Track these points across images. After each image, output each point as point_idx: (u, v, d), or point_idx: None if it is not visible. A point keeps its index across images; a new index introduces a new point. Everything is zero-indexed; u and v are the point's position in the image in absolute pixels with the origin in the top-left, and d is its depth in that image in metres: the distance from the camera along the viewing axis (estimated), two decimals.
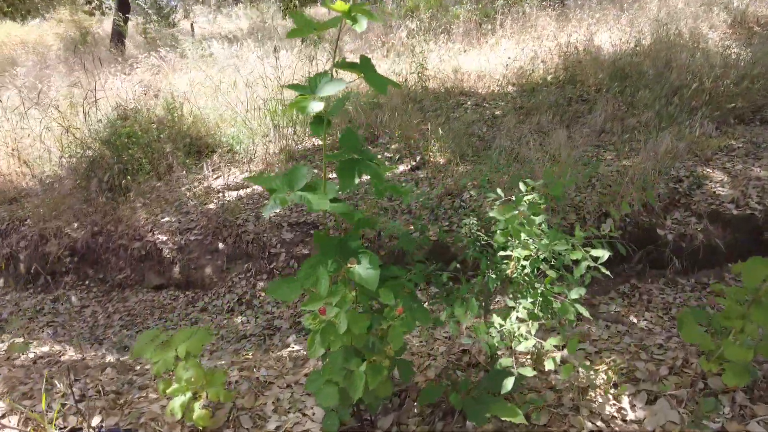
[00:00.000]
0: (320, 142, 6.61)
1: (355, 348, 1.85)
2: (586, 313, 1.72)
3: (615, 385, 2.28)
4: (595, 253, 1.66)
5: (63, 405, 2.46)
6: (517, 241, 1.73)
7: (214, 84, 7.12)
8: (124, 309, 4.69)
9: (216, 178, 5.89)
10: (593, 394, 2.25)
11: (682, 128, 5.16)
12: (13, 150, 5.92)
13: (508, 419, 1.92)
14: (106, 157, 5.74)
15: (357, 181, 1.83)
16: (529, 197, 2.06)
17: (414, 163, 5.82)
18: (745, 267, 1.93)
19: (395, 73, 7.87)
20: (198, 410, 2.10)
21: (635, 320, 3.42)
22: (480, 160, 5.74)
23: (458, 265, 2.33)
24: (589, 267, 1.77)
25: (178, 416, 2.07)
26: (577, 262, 1.70)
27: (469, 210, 4.68)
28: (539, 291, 1.78)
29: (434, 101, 7.21)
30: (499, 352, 2.24)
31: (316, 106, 1.73)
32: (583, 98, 6.86)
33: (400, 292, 1.90)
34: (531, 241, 1.70)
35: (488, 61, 8.53)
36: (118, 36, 10.54)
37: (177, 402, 2.08)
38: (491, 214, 1.64)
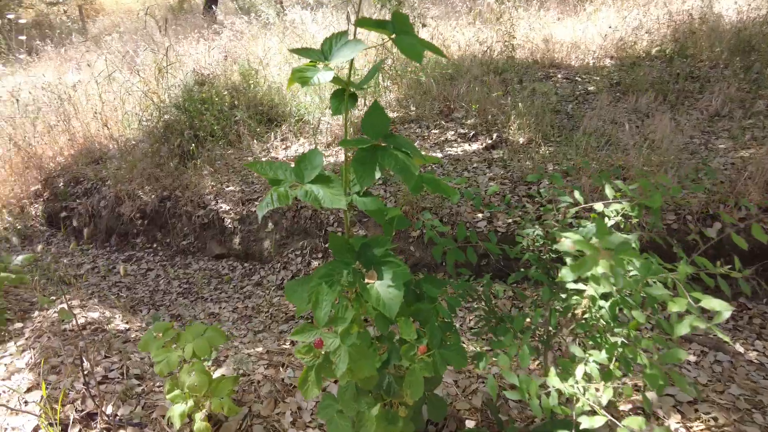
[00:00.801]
0: (393, 114, 6.17)
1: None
2: (690, 390, 1.19)
3: None
4: (706, 304, 1.11)
5: (87, 384, 2.31)
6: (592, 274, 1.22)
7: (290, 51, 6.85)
8: (184, 276, 4.64)
9: (284, 149, 5.67)
10: None
11: None
12: (96, 113, 6.05)
13: None
14: (180, 122, 5.69)
15: (378, 175, 1.39)
16: (618, 207, 1.50)
17: (490, 142, 5.21)
18: None
19: (479, 41, 7.17)
20: (199, 422, 1.83)
21: (742, 350, 2.73)
22: (566, 141, 5.03)
23: (514, 284, 1.84)
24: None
25: (176, 426, 1.81)
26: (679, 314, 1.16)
27: (547, 201, 4.06)
28: (619, 342, 1.27)
29: (520, 73, 6.46)
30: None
31: (323, 77, 1.29)
32: (693, 75, 5.81)
33: (431, 317, 1.46)
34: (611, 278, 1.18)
35: (585, 30, 7.54)
36: (210, 3, 10.60)
37: (176, 410, 1.81)
38: (558, 246, 1.14)
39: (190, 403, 1.82)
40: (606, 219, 1.50)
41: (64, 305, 3.36)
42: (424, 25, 7.21)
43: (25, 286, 3.68)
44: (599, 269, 1.10)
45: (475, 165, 4.77)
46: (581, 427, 1.19)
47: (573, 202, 1.61)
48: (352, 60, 1.44)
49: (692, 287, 1.26)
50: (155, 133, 5.71)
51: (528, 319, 1.58)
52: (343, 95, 1.50)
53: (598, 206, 1.52)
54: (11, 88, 6.89)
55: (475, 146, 5.19)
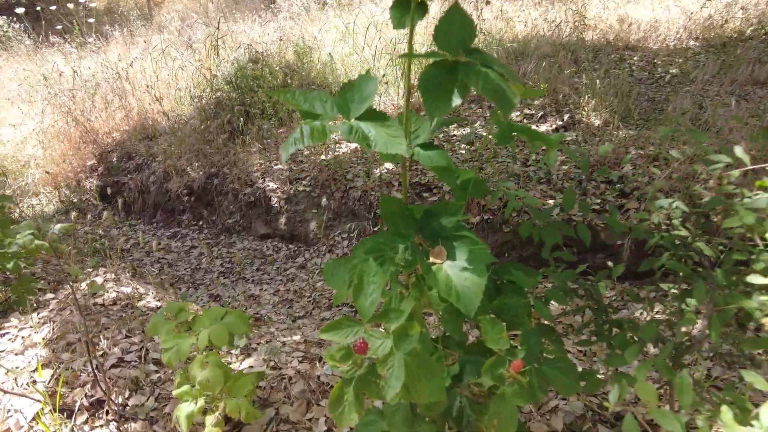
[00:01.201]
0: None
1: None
2: None
3: None
4: None
5: (97, 368, 2.00)
6: None
7: (347, 29, 6.47)
8: (228, 255, 4.36)
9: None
10: None
11: None
12: (149, 87, 5.89)
13: None
14: (232, 98, 5.44)
15: (458, 101, 0.93)
16: None
17: (560, 123, 4.62)
18: None
19: (547, 20, 6.52)
20: (210, 427, 1.44)
21: None
22: (648, 125, 4.37)
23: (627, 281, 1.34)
24: None
25: (183, 428, 1.43)
26: None
27: (634, 188, 3.47)
28: None
29: (591, 54, 5.79)
30: None
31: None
32: None
33: (523, 318, 0.99)
34: None
35: (668, 9, 6.74)
36: None
37: (183, 410, 1.43)
38: (728, 223, 0.66)
39: (201, 402, 1.44)
40: None
41: (97, 278, 3.12)
42: (487, 2, 6.64)
43: (64, 257, 3.48)
44: None
45: (544, 147, 4.20)
46: None
47: (731, 163, 1.09)
48: None
49: None
50: (206, 109, 5.49)
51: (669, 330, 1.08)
52: (408, 4, 1.04)
53: None
54: (76, 66, 6.89)
55: (543, 128, 4.62)
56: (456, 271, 0.96)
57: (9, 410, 1.89)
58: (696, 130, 1.20)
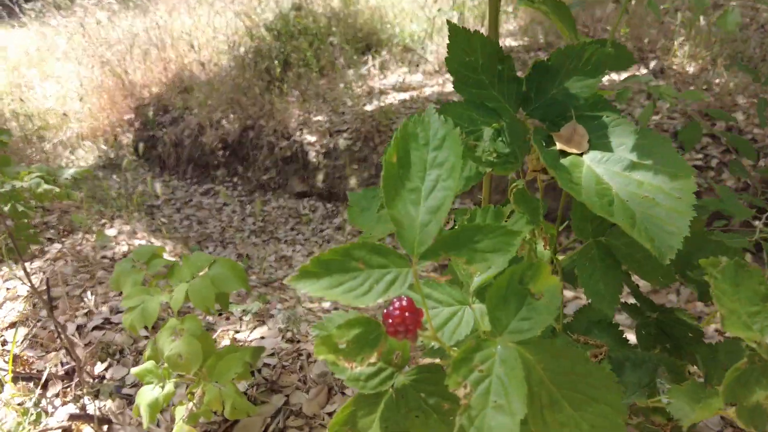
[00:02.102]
0: (515, 43, 4.98)
1: None
2: None
3: None
4: None
5: (80, 328, 1.61)
6: None
7: None
8: (261, 213, 3.97)
9: (382, 79, 4.75)
10: None
11: None
12: (186, 34, 5.53)
13: None
14: (272, 47, 4.98)
15: None
16: None
17: (645, 72, 3.88)
18: None
19: None
20: (179, 423, 0.99)
21: None
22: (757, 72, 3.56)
23: None
24: None
25: (145, 422, 0.99)
26: None
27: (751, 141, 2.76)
28: None
29: None
30: None
31: None
32: None
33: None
34: None
35: None
36: None
37: (146, 396, 0.99)
38: None
39: (169, 387, 0.99)
40: None
41: (113, 230, 2.78)
42: None
43: (81, 206, 3.18)
44: None
45: (630, 96, 3.51)
46: None
47: None
48: None
49: None
50: (245, 58, 5.06)
51: None
52: None
53: None
54: (118, 24, 6.64)
55: (623, 75, 3.89)
56: (615, 168, 0.42)
57: None
58: None
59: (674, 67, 3.82)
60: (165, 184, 4.86)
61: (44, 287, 1.92)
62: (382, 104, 4.11)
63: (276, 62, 4.79)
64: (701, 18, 3.83)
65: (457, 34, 0.56)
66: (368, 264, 0.34)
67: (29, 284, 1.49)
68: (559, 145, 0.48)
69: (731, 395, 0.35)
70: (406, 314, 0.32)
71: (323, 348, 0.34)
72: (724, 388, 0.36)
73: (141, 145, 5.28)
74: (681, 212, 0.38)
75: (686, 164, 0.43)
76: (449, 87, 4.50)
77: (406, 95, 4.31)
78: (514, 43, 4.95)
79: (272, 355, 1.43)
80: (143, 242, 2.66)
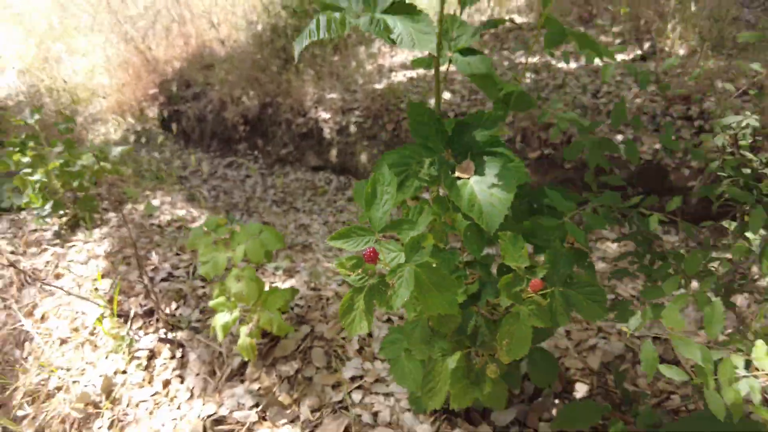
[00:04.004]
0: (521, 20, 5.30)
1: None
2: None
3: None
4: None
5: (150, 280, 2.16)
6: None
7: None
8: (281, 185, 4.48)
9: (392, 56, 5.13)
10: None
11: None
12: (207, 12, 5.92)
13: None
14: (288, 24, 5.37)
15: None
16: None
17: (640, 53, 4.22)
18: None
19: None
20: (244, 337, 1.53)
21: None
22: (745, 54, 3.89)
23: (682, 205, 1.23)
24: None
25: (219, 337, 1.53)
26: None
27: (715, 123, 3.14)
28: None
29: None
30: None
31: None
32: None
33: (554, 240, 0.94)
34: None
35: None
36: None
37: (220, 320, 1.52)
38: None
39: (236, 313, 1.53)
40: None
41: (153, 201, 3.31)
42: None
43: (125, 180, 3.72)
44: None
45: (618, 78, 3.88)
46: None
47: None
48: None
49: None
50: (262, 35, 5.46)
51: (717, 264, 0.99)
52: None
53: None
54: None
55: (620, 57, 4.23)
56: (482, 186, 0.91)
57: (76, 313, 2.10)
58: None
59: (666, 48, 4.15)
60: (190, 155, 5.38)
61: (116, 249, 2.47)
62: (392, 82, 4.52)
63: (292, 40, 5.18)
64: (692, 3, 4.13)
65: (414, 106, 1.03)
66: (359, 234, 0.83)
67: (133, 248, 2.02)
68: (457, 173, 0.94)
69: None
70: (372, 254, 0.81)
71: (340, 268, 0.84)
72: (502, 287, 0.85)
73: (166, 119, 5.78)
74: (501, 210, 0.85)
75: (514, 184, 0.89)
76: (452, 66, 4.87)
77: (413, 73, 4.70)
78: (520, 20, 5.26)
79: (300, 299, 1.96)
80: (183, 212, 3.19)
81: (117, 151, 3.25)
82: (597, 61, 3.70)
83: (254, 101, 5.03)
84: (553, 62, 4.30)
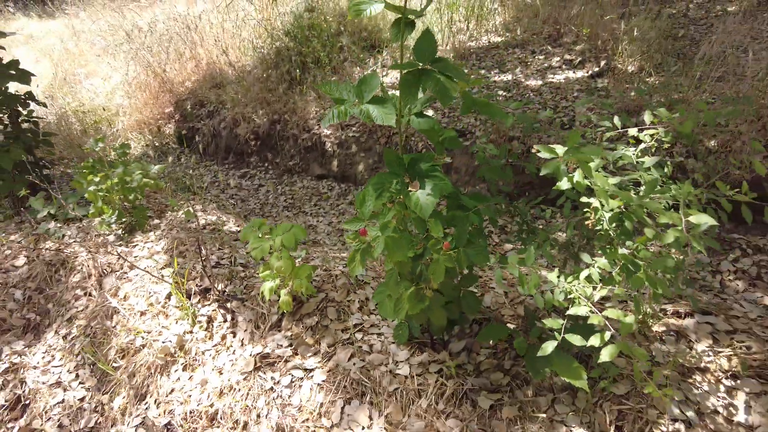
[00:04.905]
0: (498, 39, 6.12)
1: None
2: (667, 291, 1.37)
3: (735, 377, 1.85)
4: (695, 219, 1.25)
5: (204, 267, 2.97)
6: (596, 188, 1.41)
7: None
8: (290, 192, 5.30)
9: (384, 75, 5.95)
10: (700, 380, 1.87)
11: None
12: (216, 40, 6.75)
13: (568, 380, 1.73)
14: (289, 48, 6.19)
15: (420, 95, 1.66)
16: (651, 132, 1.64)
17: (596, 69, 5.04)
18: None
19: None
20: (284, 296, 2.35)
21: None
22: (684, 70, 4.70)
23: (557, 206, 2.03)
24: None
25: (267, 297, 2.35)
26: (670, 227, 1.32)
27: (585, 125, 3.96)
28: (620, 252, 1.46)
29: None
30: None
31: (375, 8, 1.57)
32: None
33: (464, 223, 1.75)
34: (608, 189, 1.36)
35: None
36: None
37: (267, 285, 2.34)
38: (536, 147, 1.34)
39: (277, 281, 2.34)
40: (641, 143, 1.63)
41: (190, 208, 4.12)
42: None
43: (161, 192, 4.53)
44: (596, 182, 1.31)
45: (576, 94, 4.69)
46: (567, 312, 1.44)
47: (611, 126, 1.74)
48: None
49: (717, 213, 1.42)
50: (267, 59, 6.29)
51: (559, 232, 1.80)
52: (400, 24, 1.75)
53: (633, 131, 1.65)
54: (150, 20, 7.87)
55: (579, 74, 5.05)
56: (423, 195, 1.72)
57: (150, 292, 2.91)
58: (606, 101, 1.84)
59: (619, 66, 4.97)
60: (207, 168, 6.21)
61: (171, 246, 3.28)
62: None
63: (295, 64, 6.01)
64: (635, 29, 4.95)
65: (387, 151, 1.85)
66: (356, 221, 1.63)
67: (195, 243, 2.83)
68: (410, 188, 1.74)
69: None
70: (363, 230, 1.61)
71: (348, 238, 1.64)
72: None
73: (183, 136, 6.60)
74: (430, 206, 1.64)
75: (440, 194, 1.69)
76: None
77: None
78: (497, 39, 6.08)
79: (317, 276, 2.78)
80: (214, 217, 4.01)
81: (155, 168, 4.07)
82: (560, 77, 4.54)
83: (264, 119, 5.86)
84: (522, 80, 5.12)
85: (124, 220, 3.62)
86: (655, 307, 2.17)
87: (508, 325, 2.30)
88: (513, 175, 2.02)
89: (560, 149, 1.41)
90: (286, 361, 2.37)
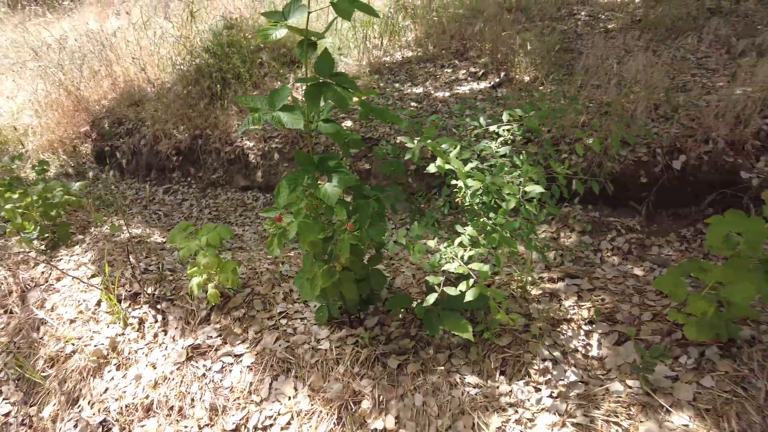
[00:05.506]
0: (411, 54, 6.64)
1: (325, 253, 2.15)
2: (520, 248, 1.80)
3: (591, 323, 2.34)
4: (528, 188, 1.69)
5: (133, 275, 3.14)
6: (458, 171, 1.82)
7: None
8: (214, 205, 5.48)
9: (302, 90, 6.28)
10: (566, 328, 2.34)
11: None
12: (134, 58, 6.82)
13: (457, 333, 2.13)
14: (210, 65, 6.39)
15: (322, 104, 2.02)
16: (507, 128, 2.09)
17: (497, 80, 5.65)
18: (712, 225, 1.81)
19: None
20: (211, 289, 2.61)
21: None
22: (571, 79, 5.40)
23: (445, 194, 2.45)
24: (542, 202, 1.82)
25: (195, 293, 2.60)
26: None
27: (546, 139, 4.55)
28: (481, 221, 1.88)
29: (542, 11, 6.72)
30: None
31: (279, 33, 1.92)
32: (723, 10, 5.89)
33: (366, 208, 2.12)
34: (467, 171, 1.78)
35: None
36: None
37: (194, 281, 2.59)
38: (400, 139, 1.75)
39: (204, 276, 2.60)
40: (500, 137, 2.09)
41: (114, 222, 4.24)
42: None
43: (83, 209, 4.59)
44: (453, 165, 1.72)
45: (478, 103, 5.25)
46: (442, 269, 1.85)
47: (478, 125, 2.19)
48: (308, 16, 2.05)
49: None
50: (187, 76, 6.45)
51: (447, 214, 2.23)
52: (308, 45, 2.11)
53: (493, 127, 2.09)
54: (59, 36, 7.76)
55: (483, 85, 5.65)
56: (330, 187, 2.08)
57: (79, 301, 3.05)
58: (458, 105, 2.29)
59: (516, 76, 5.61)
60: (128, 186, 6.24)
61: (98, 257, 3.42)
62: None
63: (215, 80, 6.22)
64: (528, 43, 5.63)
65: (299, 153, 2.19)
66: (273, 210, 1.95)
67: (129, 258, 3.00)
68: (320, 182, 2.08)
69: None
70: (278, 217, 1.93)
71: (266, 224, 1.95)
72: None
73: (101, 154, 6.59)
74: (336, 195, 1.99)
75: (344, 185, 2.04)
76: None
77: None
78: (409, 54, 6.61)
79: (243, 274, 3.04)
80: (140, 230, 4.15)
81: (77, 186, 4.16)
82: (465, 89, 5.10)
83: (185, 134, 6.01)
84: (432, 92, 5.65)
85: (46, 236, 3.70)
86: (534, 275, 2.64)
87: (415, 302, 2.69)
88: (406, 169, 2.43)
89: (416, 140, 1.82)
90: (217, 350, 2.62)
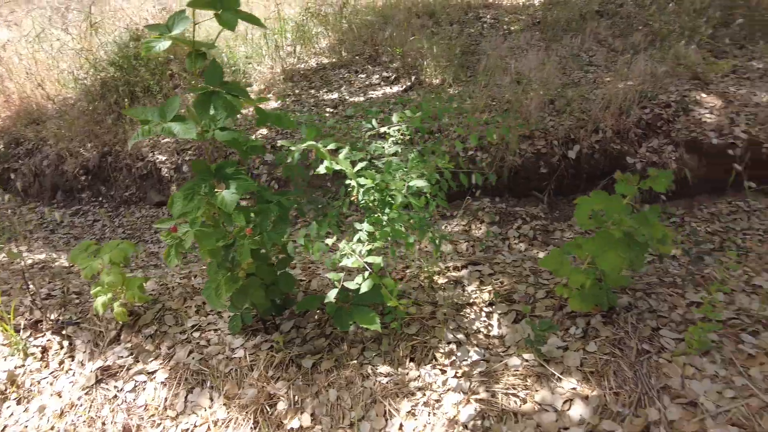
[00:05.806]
0: (325, 60, 6.73)
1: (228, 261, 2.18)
2: (411, 239, 1.93)
3: (491, 304, 2.51)
4: (413, 183, 1.82)
5: (33, 301, 3.01)
6: (350, 171, 1.93)
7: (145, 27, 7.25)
8: (128, 223, 5.30)
9: None
10: (469, 311, 2.50)
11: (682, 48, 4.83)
12: (29, 73, 6.46)
13: (365, 326, 2.22)
14: (116, 78, 6.17)
15: (212, 111, 2.06)
16: (397, 128, 2.21)
17: (408, 84, 5.84)
18: (579, 205, 2.03)
19: None
20: (117, 308, 2.56)
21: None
22: (476, 81, 5.68)
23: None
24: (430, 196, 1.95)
25: (101, 313, 2.54)
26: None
27: (443, 137, 4.76)
28: (375, 216, 1.99)
29: (451, 16, 7.02)
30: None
31: (162, 46, 1.94)
32: (608, 12, 6.42)
33: (266, 214, 2.17)
34: (357, 170, 1.89)
35: None
36: None
37: (99, 301, 2.53)
38: (280, 143, 1.85)
39: (110, 295, 2.54)
40: (391, 137, 2.21)
41: (13, 249, 4.02)
42: None
43: None
44: (341, 167, 1.81)
45: (391, 106, 5.42)
46: (342, 263, 1.94)
47: (371, 127, 2.31)
48: (194, 28, 2.08)
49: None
50: (92, 91, 6.19)
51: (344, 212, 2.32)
52: (197, 55, 2.14)
53: (383, 129, 2.22)
54: None
55: (395, 89, 5.82)
56: (228, 194, 2.11)
57: None
58: (370, 110, 2.40)
59: (426, 79, 5.83)
60: (31, 210, 5.89)
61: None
62: None
63: (122, 94, 6.02)
64: (434, 47, 5.87)
65: (195, 162, 2.20)
66: (168, 220, 1.98)
67: (28, 285, 2.86)
68: (217, 189, 2.11)
69: None
70: (173, 228, 1.95)
71: (163, 236, 1.96)
72: None
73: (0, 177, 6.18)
74: (233, 202, 2.04)
75: (242, 191, 2.09)
76: (272, 104, 6.08)
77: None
78: (324, 60, 6.69)
79: (153, 290, 2.99)
80: (43, 255, 3.96)
81: None
82: (379, 93, 5.24)
83: (93, 152, 5.76)
84: (347, 97, 5.76)
85: None
86: (441, 265, 2.79)
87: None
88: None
89: (299, 143, 1.92)
90: (128, 369, 2.57)
